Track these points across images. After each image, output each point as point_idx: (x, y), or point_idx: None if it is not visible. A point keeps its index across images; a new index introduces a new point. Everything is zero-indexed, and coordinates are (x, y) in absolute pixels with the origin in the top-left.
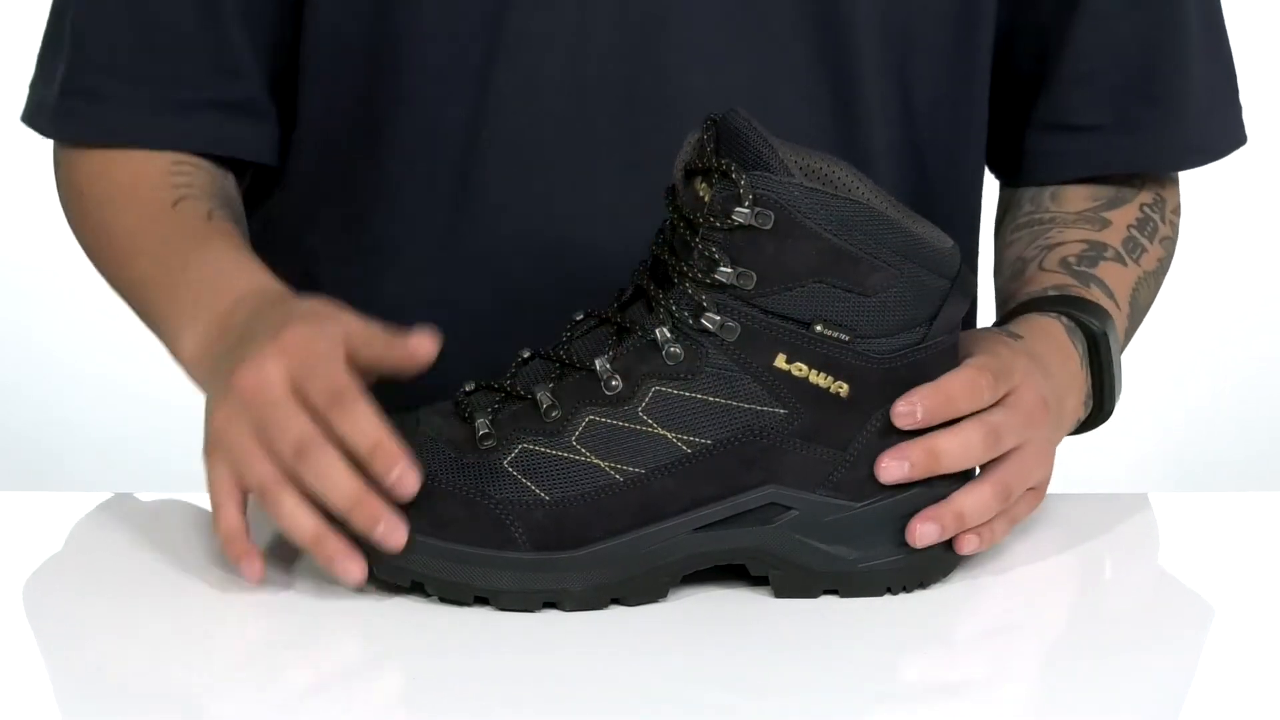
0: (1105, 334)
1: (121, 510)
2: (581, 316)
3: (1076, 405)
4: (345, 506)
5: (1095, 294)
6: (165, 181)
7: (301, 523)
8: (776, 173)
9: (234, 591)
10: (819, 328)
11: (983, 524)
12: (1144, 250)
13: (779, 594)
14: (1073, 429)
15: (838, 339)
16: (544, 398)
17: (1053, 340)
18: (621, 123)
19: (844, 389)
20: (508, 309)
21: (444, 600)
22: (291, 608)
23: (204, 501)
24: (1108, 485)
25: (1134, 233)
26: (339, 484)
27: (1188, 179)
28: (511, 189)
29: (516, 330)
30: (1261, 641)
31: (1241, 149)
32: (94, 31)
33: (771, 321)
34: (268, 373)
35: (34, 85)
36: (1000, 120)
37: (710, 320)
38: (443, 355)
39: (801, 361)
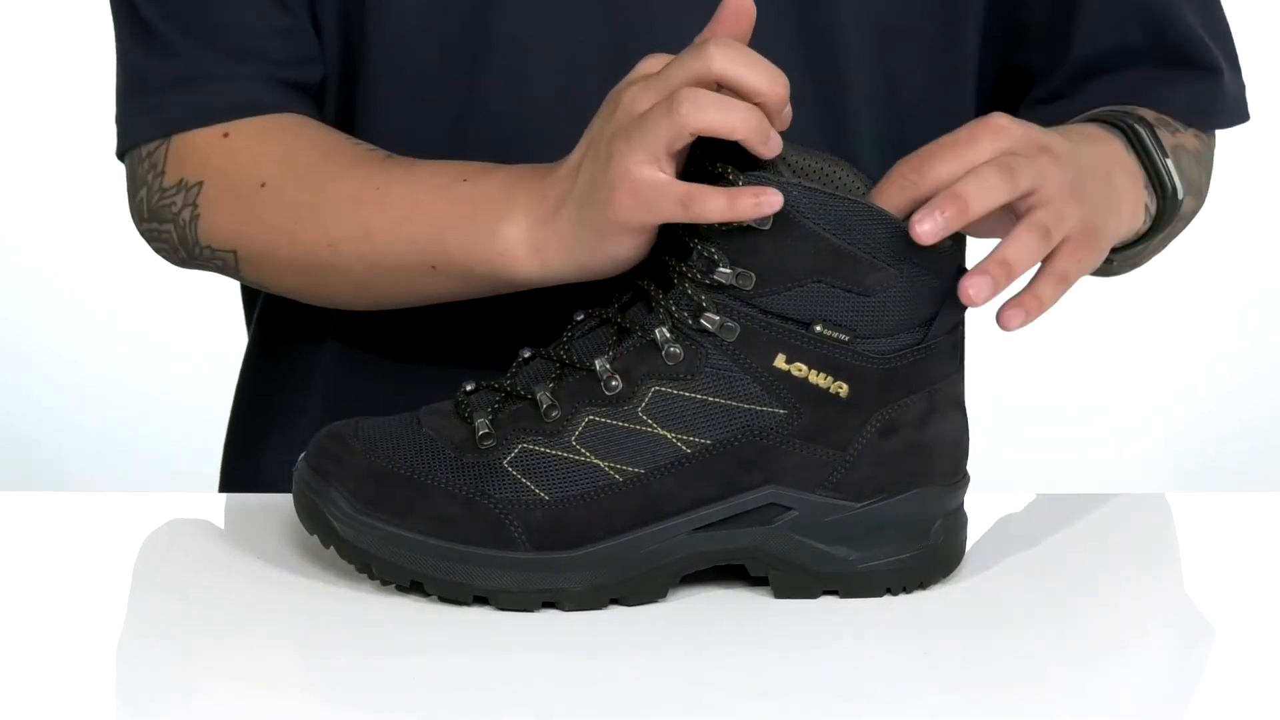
0: (1140, 128)
1: (122, 510)
2: (582, 316)
3: (1109, 160)
4: (769, 80)
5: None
6: (326, 140)
7: (736, 106)
8: (775, 173)
9: (233, 592)
10: (819, 328)
11: (1027, 294)
12: (1179, 131)
13: (779, 594)
14: (1152, 214)
15: (837, 339)
16: (544, 398)
17: (1076, 129)
18: None
19: (844, 389)
20: (502, 312)
21: (443, 600)
22: (290, 608)
23: (203, 502)
24: (1112, 485)
25: (1165, 119)
26: (761, 66)
27: None
28: None
29: (511, 334)
30: (1263, 642)
31: (1242, 151)
32: (165, 27)
33: (771, 321)
34: (640, 68)
35: (121, 107)
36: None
37: (710, 320)
38: (442, 357)
39: (801, 362)
